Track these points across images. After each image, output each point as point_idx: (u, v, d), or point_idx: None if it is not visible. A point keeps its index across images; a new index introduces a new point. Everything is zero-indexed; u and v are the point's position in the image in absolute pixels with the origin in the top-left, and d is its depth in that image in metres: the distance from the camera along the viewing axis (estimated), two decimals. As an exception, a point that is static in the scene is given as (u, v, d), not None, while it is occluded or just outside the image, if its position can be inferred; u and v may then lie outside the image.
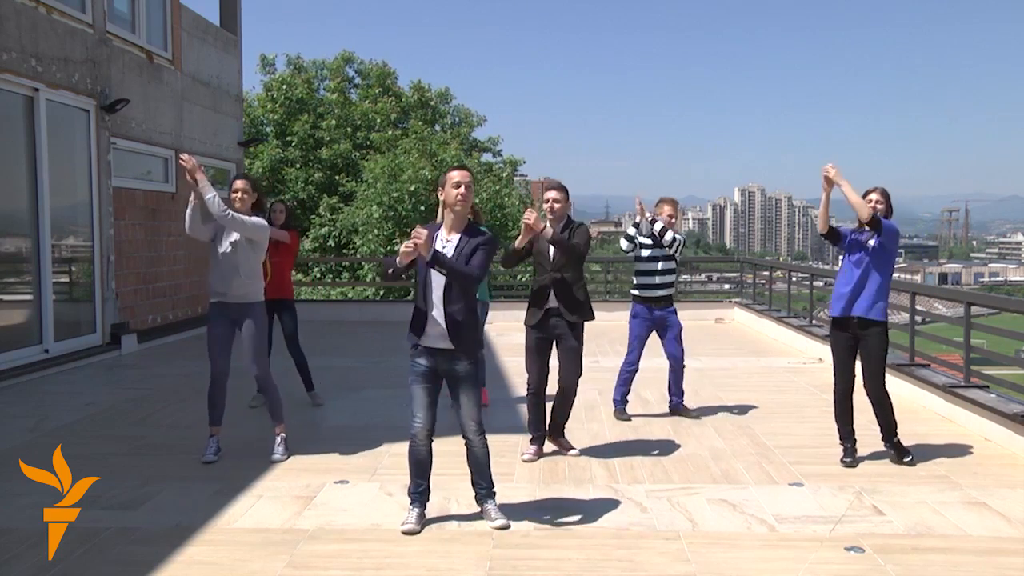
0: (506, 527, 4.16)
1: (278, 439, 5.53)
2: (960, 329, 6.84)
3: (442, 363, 4.17)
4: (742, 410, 6.86)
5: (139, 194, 10.74)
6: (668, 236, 6.38)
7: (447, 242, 4.18)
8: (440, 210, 4.33)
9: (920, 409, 6.83)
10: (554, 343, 5.45)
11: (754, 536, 4.14)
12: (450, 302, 4.12)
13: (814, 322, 10.64)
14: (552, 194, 5.40)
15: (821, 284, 13.81)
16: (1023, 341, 15.11)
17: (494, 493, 4.34)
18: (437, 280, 4.13)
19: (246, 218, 5.36)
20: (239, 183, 5.48)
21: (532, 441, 5.52)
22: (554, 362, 5.46)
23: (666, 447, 5.75)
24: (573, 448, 5.59)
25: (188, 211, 5.29)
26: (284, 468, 5.26)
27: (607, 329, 9.53)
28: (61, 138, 9.19)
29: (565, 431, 5.66)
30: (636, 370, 6.63)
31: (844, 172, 5.12)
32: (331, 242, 22.54)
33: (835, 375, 5.47)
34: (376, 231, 20.57)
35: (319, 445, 5.76)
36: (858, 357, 5.39)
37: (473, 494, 4.39)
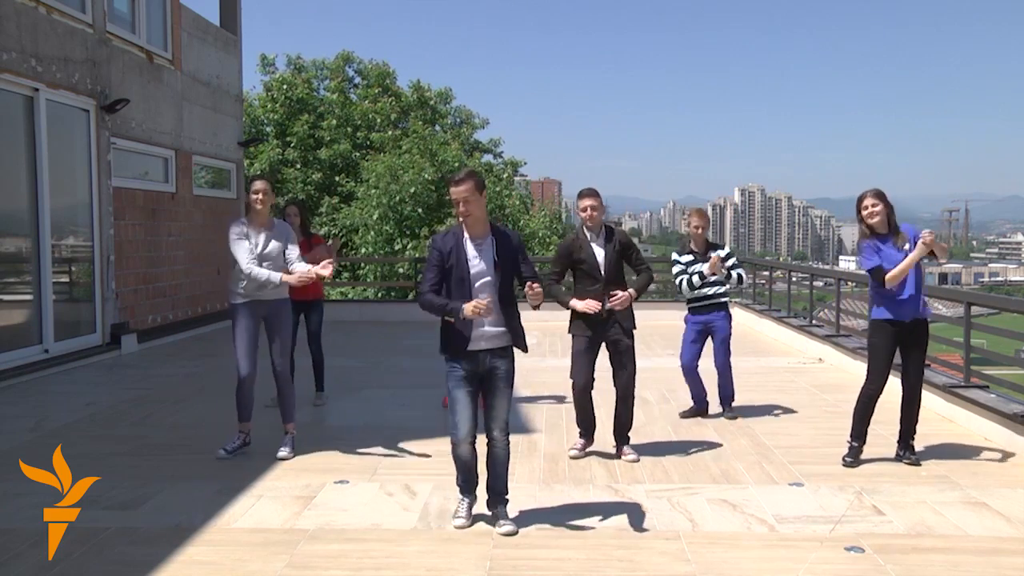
0: (512, 533, 4.12)
1: (287, 437, 5.55)
2: (960, 329, 6.84)
3: (485, 362, 4.14)
4: (742, 410, 6.85)
5: (139, 194, 10.74)
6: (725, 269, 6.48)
7: (479, 248, 4.14)
8: None
9: (920, 409, 6.82)
10: (603, 344, 5.44)
11: (754, 536, 4.14)
12: (505, 304, 4.16)
13: (814, 322, 10.64)
14: (589, 202, 5.36)
15: (821, 284, 13.82)
16: (1023, 341, 15.10)
17: (507, 500, 4.30)
18: (490, 285, 4.10)
19: (297, 259, 5.46)
20: (259, 184, 5.48)
21: (581, 435, 5.56)
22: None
23: (666, 447, 5.75)
24: (632, 454, 5.49)
25: (265, 276, 5.32)
26: (284, 468, 5.26)
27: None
28: (61, 138, 9.19)
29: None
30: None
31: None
32: (331, 242, 22.56)
33: (876, 377, 5.37)
34: (374, 233, 20.58)
35: (319, 445, 5.76)
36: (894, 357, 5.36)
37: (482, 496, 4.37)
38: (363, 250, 20.60)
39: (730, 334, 6.72)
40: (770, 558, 3.86)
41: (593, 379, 5.48)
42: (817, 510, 4.48)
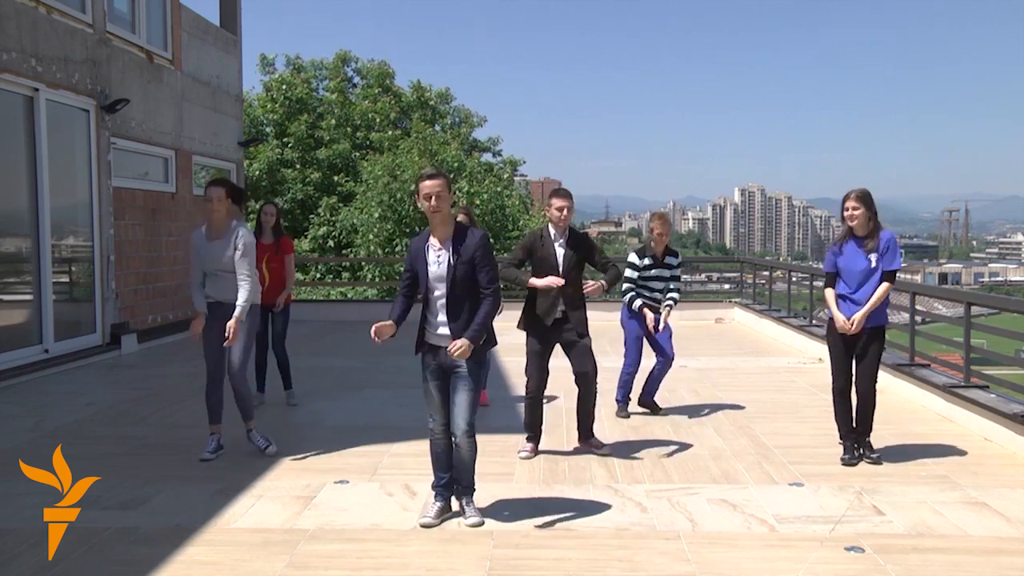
0: (479, 524, 4.20)
1: (253, 434, 5.57)
2: (960, 329, 6.84)
3: (445, 358, 4.19)
4: (742, 410, 6.85)
5: (139, 194, 10.74)
6: (667, 310, 6.48)
7: (439, 254, 4.18)
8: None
9: (920, 409, 6.83)
10: (556, 346, 5.49)
11: (754, 536, 4.14)
12: (453, 310, 4.17)
13: (814, 322, 10.64)
14: (566, 203, 5.41)
15: (821, 284, 13.81)
16: (1023, 341, 15.11)
17: (472, 491, 4.37)
18: (439, 289, 4.18)
19: (244, 264, 5.38)
20: (213, 191, 5.39)
21: (528, 440, 5.56)
22: (555, 363, 5.49)
23: (666, 447, 5.75)
24: (604, 446, 5.59)
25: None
26: (284, 468, 5.26)
27: (606, 329, 9.52)
28: (61, 138, 9.19)
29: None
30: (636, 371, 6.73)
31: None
32: (331, 242, 22.53)
33: (834, 374, 5.47)
34: (375, 232, 20.57)
35: (319, 445, 5.76)
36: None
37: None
38: (362, 251, 20.59)
39: (671, 332, 6.68)
40: (770, 558, 3.87)
41: (545, 385, 5.52)
42: (817, 510, 4.48)
